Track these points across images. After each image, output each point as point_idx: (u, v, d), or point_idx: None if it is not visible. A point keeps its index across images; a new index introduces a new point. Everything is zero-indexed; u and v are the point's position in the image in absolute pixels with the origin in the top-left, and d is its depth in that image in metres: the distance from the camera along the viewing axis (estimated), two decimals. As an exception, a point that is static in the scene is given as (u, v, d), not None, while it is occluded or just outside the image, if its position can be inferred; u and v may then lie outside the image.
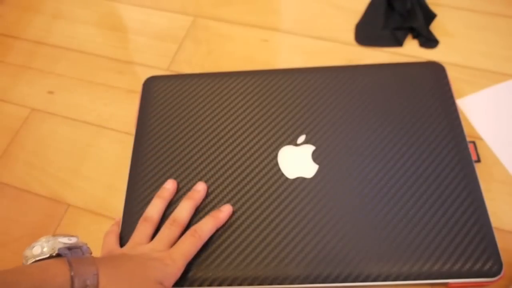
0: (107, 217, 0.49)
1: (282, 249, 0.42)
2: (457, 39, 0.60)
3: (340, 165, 0.46)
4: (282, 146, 0.48)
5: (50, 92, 0.60)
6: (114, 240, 0.43)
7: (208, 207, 0.45)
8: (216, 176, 0.46)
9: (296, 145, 0.48)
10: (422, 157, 0.46)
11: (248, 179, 0.46)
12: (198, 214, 0.44)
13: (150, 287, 0.36)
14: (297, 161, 0.46)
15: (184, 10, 0.67)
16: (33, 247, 0.34)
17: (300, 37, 0.62)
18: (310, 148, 0.47)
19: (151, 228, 0.42)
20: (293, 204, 0.44)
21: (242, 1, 0.67)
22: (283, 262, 0.41)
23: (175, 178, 0.47)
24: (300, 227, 0.43)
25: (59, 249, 0.34)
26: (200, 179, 0.46)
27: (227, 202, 0.45)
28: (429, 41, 0.59)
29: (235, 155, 0.48)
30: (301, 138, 0.48)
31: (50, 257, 0.34)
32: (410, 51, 0.59)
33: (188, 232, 0.41)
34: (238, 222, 0.44)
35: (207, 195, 0.45)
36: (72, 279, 0.32)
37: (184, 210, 0.43)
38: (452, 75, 0.55)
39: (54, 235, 0.36)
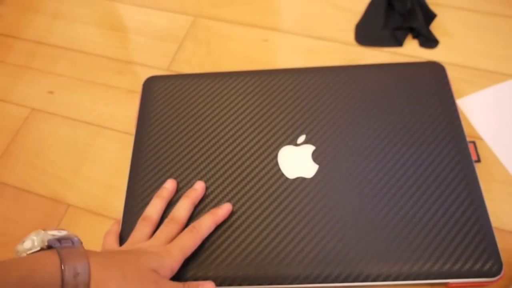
0: (107, 217, 0.49)
1: (282, 249, 0.42)
2: (457, 39, 0.60)
3: (340, 165, 0.46)
4: (282, 146, 0.48)
5: (50, 92, 0.60)
6: (114, 240, 0.43)
7: (208, 207, 0.45)
8: (216, 176, 0.46)
9: (296, 145, 0.48)
10: (422, 157, 0.46)
11: (248, 179, 0.46)
12: (198, 214, 0.44)
13: (144, 273, 0.35)
14: (297, 161, 0.46)
15: (184, 10, 0.67)
16: (24, 241, 0.34)
17: (300, 37, 0.62)
18: (310, 148, 0.47)
19: (150, 227, 0.42)
20: (293, 204, 0.44)
21: (242, 1, 0.67)
22: (283, 262, 0.41)
23: (175, 178, 0.47)
24: (300, 227, 0.43)
25: (48, 240, 0.34)
26: (200, 179, 0.46)
27: (227, 202, 0.45)
28: (429, 41, 0.59)
29: (235, 155, 0.48)
30: (301, 138, 0.48)
31: (42, 250, 0.34)
32: (410, 51, 0.59)
33: (186, 229, 0.41)
34: (238, 222, 0.44)
35: (208, 195, 0.45)
36: (62, 267, 0.32)
37: (182, 208, 0.43)
38: (452, 75, 0.55)
39: (44, 229, 0.36)
